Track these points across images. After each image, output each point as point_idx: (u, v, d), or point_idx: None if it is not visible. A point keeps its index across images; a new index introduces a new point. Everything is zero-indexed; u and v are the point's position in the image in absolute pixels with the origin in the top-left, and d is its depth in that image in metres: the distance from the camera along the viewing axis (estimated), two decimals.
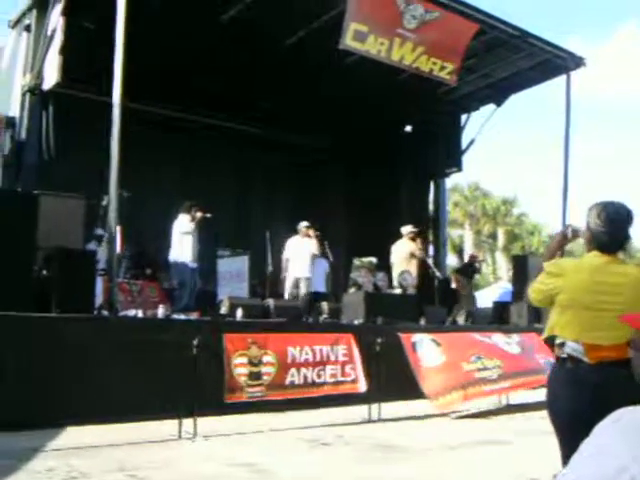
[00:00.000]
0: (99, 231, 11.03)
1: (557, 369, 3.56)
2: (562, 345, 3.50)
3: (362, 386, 8.88)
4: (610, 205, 3.53)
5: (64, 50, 11.85)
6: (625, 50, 75.48)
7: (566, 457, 3.36)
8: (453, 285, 14.97)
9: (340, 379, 8.85)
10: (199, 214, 11.51)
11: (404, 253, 13.41)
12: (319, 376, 8.69)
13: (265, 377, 8.14)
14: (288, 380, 8.41)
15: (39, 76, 12.55)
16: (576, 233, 3.75)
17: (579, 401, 3.33)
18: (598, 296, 3.42)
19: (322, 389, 8.74)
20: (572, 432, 3.14)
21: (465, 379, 9.41)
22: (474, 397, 9.45)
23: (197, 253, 11.24)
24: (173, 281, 11.17)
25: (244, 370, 7.96)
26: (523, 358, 10.10)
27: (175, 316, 10.00)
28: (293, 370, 8.46)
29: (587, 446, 1.37)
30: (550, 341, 3.64)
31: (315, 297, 12.65)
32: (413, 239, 13.60)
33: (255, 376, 8.04)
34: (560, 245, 3.92)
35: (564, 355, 3.49)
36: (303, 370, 8.55)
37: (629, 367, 2.95)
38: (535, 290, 3.68)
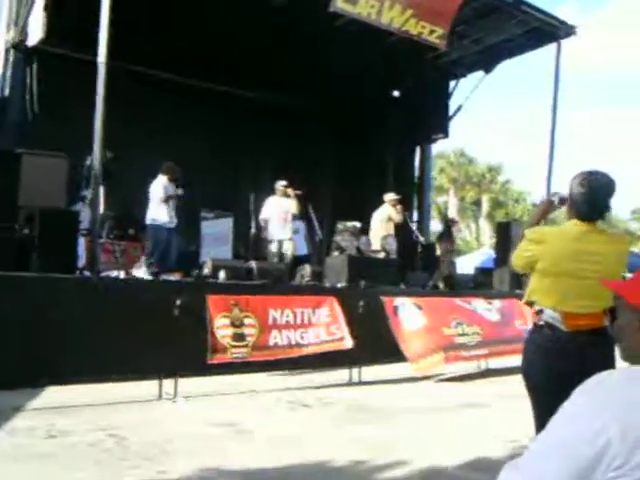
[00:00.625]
0: (85, 192, 10.93)
1: (534, 336, 3.59)
2: (540, 312, 3.54)
3: (348, 343, 8.88)
4: (592, 174, 3.54)
5: (48, 6, 11.64)
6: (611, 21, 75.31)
7: (539, 421, 3.47)
8: (438, 252, 14.99)
9: (325, 338, 8.86)
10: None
11: (383, 218, 13.44)
12: (302, 337, 8.71)
13: (249, 338, 8.16)
14: (271, 341, 8.43)
15: (23, 32, 12.34)
16: (562, 201, 3.76)
17: (554, 367, 3.39)
18: (577, 264, 3.45)
19: (307, 349, 8.76)
20: (546, 397, 3.25)
21: (445, 343, 9.51)
22: (454, 361, 9.57)
23: (175, 214, 10.85)
24: (147, 242, 10.85)
25: (227, 331, 7.97)
26: (502, 325, 10.20)
27: (143, 275, 9.94)
28: (275, 332, 8.49)
29: (566, 409, 1.38)
30: (530, 304, 3.68)
31: (296, 260, 12.63)
32: (394, 206, 13.59)
33: (239, 337, 8.06)
34: (545, 212, 3.95)
35: (541, 322, 3.52)
36: (285, 332, 8.57)
37: (605, 335, 3.38)
38: (517, 256, 3.71)
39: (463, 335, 9.80)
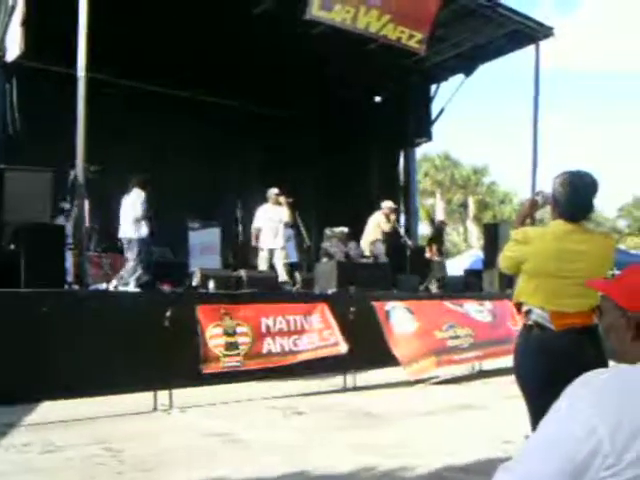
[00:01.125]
0: (65, 205, 10.86)
1: (524, 336, 3.64)
2: (529, 312, 3.58)
3: (343, 348, 8.86)
4: (575, 174, 3.56)
5: (26, 22, 11.58)
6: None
7: (534, 420, 3.50)
8: (427, 254, 15.02)
9: (319, 344, 8.83)
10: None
11: (375, 224, 13.52)
12: (296, 344, 8.68)
13: (242, 347, 8.13)
14: (265, 349, 8.40)
15: (1, 48, 12.28)
16: (546, 200, 3.78)
17: (545, 367, 3.42)
18: (562, 264, 3.48)
19: (301, 355, 8.73)
20: (539, 396, 3.29)
21: (437, 346, 9.51)
22: (446, 364, 9.57)
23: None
24: (128, 255, 10.78)
25: (220, 341, 7.94)
26: (494, 327, 10.22)
27: (123, 288, 9.81)
28: (269, 339, 8.45)
29: (557, 408, 1.39)
30: (519, 305, 3.70)
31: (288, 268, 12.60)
32: (387, 215, 13.66)
33: (232, 346, 8.02)
34: (530, 212, 3.98)
35: (530, 322, 3.56)
36: (279, 339, 8.54)
37: (594, 333, 3.35)
38: (503, 258, 3.75)
39: (455, 338, 9.82)
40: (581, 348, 3.38)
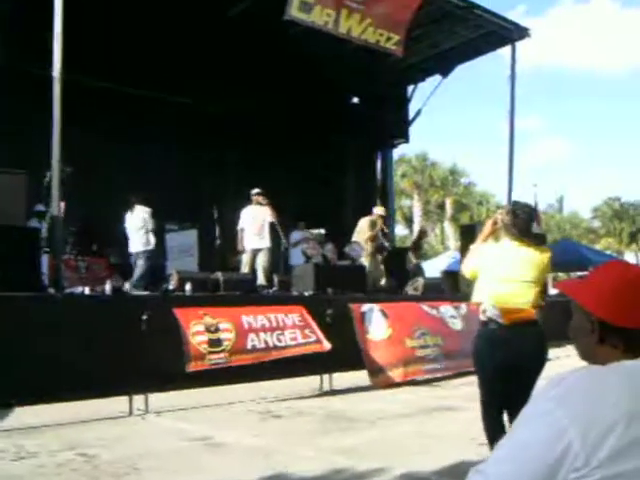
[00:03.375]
0: (39, 207, 10.78)
1: (481, 330, 4.63)
2: (484, 311, 4.55)
3: (326, 345, 8.78)
4: (515, 205, 4.75)
5: (1, 21, 11.48)
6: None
7: (484, 402, 4.65)
8: (413, 260, 15.09)
9: (302, 341, 8.75)
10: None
11: (367, 225, 13.61)
12: (279, 340, 8.59)
13: (226, 342, 8.01)
14: (249, 344, 8.27)
15: None
16: (502, 221, 4.69)
17: (498, 354, 4.42)
18: (511, 270, 4.50)
19: (286, 351, 8.61)
20: (492, 380, 4.51)
21: (406, 355, 9.68)
22: (412, 376, 9.67)
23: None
24: (138, 263, 11.59)
25: (203, 337, 7.83)
26: (464, 335, 10.14)
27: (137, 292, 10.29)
28: (252, 335, 8.32)
29: (526, 412, 1.38)
30: (477, 305, 4.73)
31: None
32: (373, 221, 13.70)
33: (215, 343, 7.92)
34: (491, 230, 4.86)
35: (486, 319, 4.54)
36: (262, 334, 8.43)
37: (535, 325, 4.53)
38: (464, 267, 4.87)
39: (425, 347, 9.96)
40: (524, 337, 4.42)
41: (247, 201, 12.44)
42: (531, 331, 4.46)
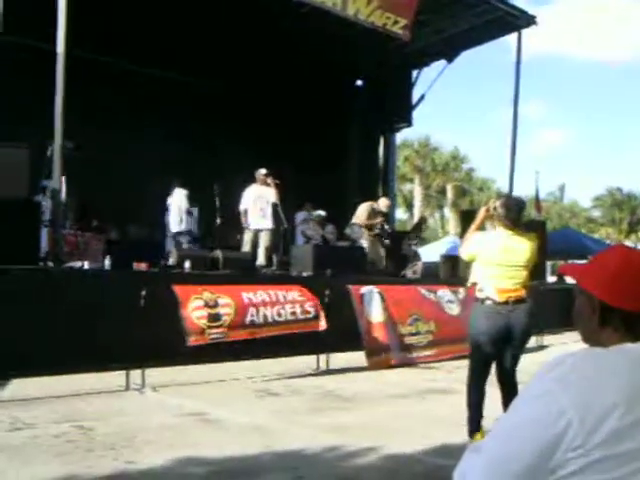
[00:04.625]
0: (45, 182, 10.76)
1: (477, 306, 5.32)
2: (481, 290, 5.27)
3: (323, 324, 8.82)
4: (508, 199, 5.64)
5: None
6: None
7: (473, 369, 5.39)
8: (413, 246, 15.12)
9: (301, 317, 8.73)
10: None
11: (367, 210, 13.67)
12: (279, 314, 8.60)
13: (225, 317, 8.00)
14: (248, 319, 8.27)
15: None
16: (495, 210, 5.32)
17: (493, 324, 5.16)
18: (504, 256, 5.20)
19: (285, 327, 8.60)
20: (485, 344, 5.22)
21: (398, 342, 9.77)
22: (401, 362, 9.70)
23: None
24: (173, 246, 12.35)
25: (203, 312, 7.82)
26: (459, 322, 10.16)
27: None
28: (252, 309, 8.32)
29: (526, 392, 1.39)
30: (473, 284, 5.44)
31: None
32: (374, 210, 13.68)
33: (214, 317, 7.92)
34: (485, 218, 5.48)
35: (482, 296, 5.24)
36: (262, 309, 8.44)
37: (524, 302, 5.23)
38: (462, 252, 5.67)
39: (415, 334, 10.03)
40: (515, 311, 5.17)
41: (247, 182, 12.38)
42: (521, 307, 5.21)
